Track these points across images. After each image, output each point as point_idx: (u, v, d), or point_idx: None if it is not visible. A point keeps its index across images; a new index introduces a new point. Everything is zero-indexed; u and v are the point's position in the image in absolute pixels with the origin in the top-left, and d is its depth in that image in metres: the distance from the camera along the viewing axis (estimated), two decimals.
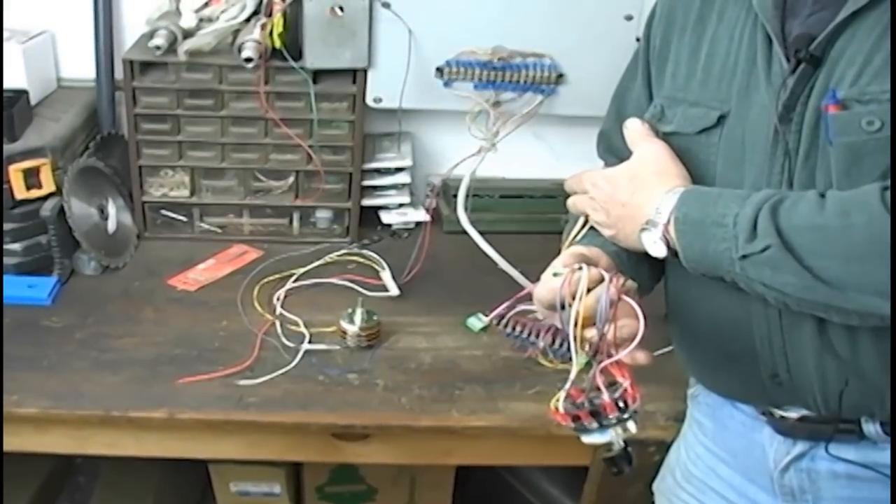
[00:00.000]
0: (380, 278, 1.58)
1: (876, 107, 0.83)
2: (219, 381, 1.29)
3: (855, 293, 0.82)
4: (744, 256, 0.86)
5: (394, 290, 1.54)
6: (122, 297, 1.50)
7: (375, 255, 1.65)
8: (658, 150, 1.00)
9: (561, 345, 1.04)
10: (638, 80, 1.13)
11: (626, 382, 0.88)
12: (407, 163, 1.72)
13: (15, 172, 1.45)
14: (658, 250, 0.94)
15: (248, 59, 1.49)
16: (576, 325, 0.88)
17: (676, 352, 1.13)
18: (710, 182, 0.98)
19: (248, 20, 1.58)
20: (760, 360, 0.97)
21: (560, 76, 1.57)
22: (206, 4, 1.58)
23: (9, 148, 1.46)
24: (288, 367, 1.33)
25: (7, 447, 1.27)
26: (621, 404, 0.88)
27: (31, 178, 1.47)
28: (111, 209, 1.63)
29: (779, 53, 0.91)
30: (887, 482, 0.96)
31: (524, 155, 1.73)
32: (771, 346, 0.96)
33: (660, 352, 1.37)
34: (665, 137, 1.05)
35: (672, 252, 0.93)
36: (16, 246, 1.48)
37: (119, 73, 1.61)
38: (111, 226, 1.62)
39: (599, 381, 0.87)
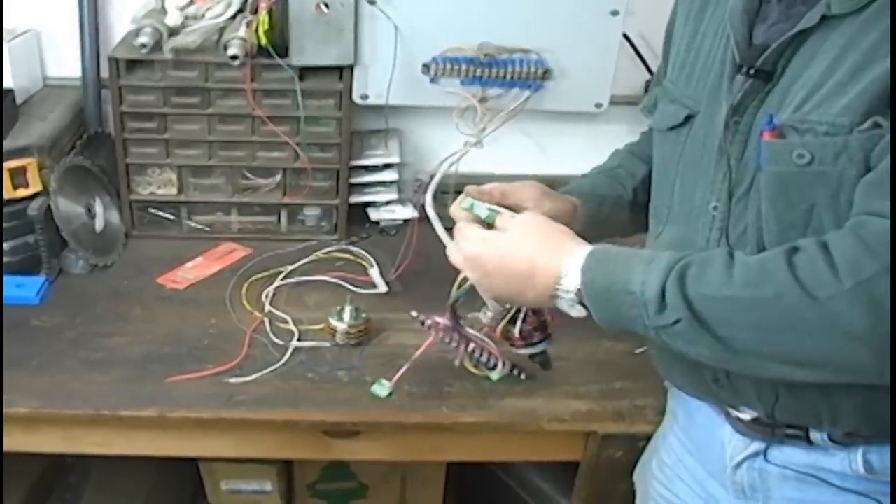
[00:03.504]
0: (368, 275, 1.58)
1: (811, 138, 0.82)
2: (209, 379, 1.29)
3: (771, 363, 0.82)
4: (656, 328, 0.85)
5: (382, 287, 1.54)
6: (110, 295, 1.50)
7: (364, 253, 1.65)
8: (534, 217, 1.00)
9: (480, 354, 1.28)
10: (663, 70, 1.14)
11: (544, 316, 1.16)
12: (394, 159, 1.72)
13: None
14: (578, 313, 0.94)
15: (234, 57, 1.49)
16: None
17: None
18: (673, 180, 1.00)
19: (233, 18, 1.58)
20: (703, 366, 0.96)
21: (546, 72, 1.57)
22: (191, 2, 1.58)
23: None
24: (277, 365, 1.33)
25: None
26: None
27: (18, 177, 1.46)
28: (99, 208, 1.63)
29: (737, 61, 0.91)
30: (834, 488, 0.96)
31: (511, 150, 1.73)
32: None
33: (646, 348, 1.40)
34: (653, 134, 1.09)
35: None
36: (3, 246, 1.48)
37: (105, 72, 1.60)
38: (99, 225, 1.62)
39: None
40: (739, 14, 0.91)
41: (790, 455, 0.98)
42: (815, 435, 0.95)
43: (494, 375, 1.32)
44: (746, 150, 0.90)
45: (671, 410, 1.18)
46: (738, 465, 1.02)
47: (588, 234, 1.07)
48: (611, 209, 1.16)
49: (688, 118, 0.98)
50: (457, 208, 1.08)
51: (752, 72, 0.88)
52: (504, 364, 1.31)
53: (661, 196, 1.05)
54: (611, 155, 1.27)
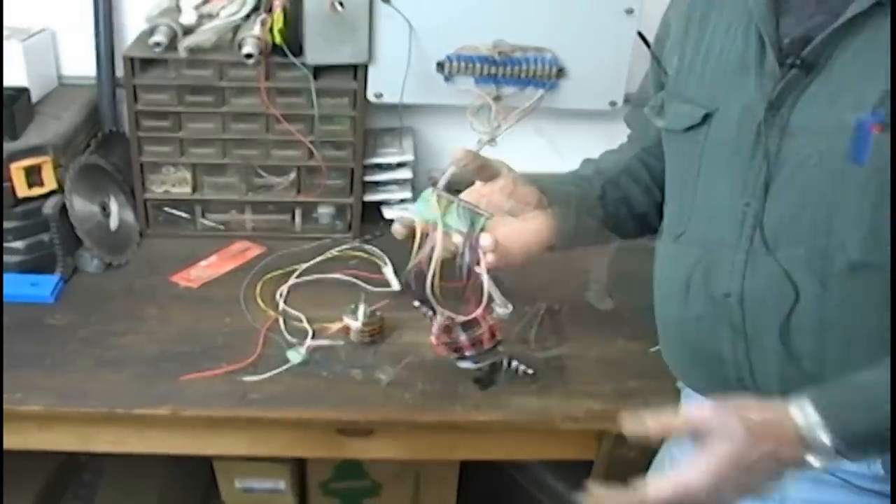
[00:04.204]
0: (382, 274, 1.58)
1: None
2: (222, 377, 1.29)
3: None
4: None
5: (396, 286, 1.54)
6: (124, 294, 1.50)
7: (378, 251, 1.65)
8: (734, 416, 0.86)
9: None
10: (652, 80, 1.13)
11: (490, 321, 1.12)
12: (408, 158, 1.72)
13: (16, 170, 1.45)
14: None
15: (249, 56, 1.49)
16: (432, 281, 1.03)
17: (660, 341, 1.14)
18: (694, 180, 0.99)
19: (248, 16, 1.58)
20: (726, 364, 0.97)
21: (561, 70, 1.57)
22: (205, 1, 1.58)
23: (10, 146, 1.45)
24: (291, 363, 1.32)
25: (11, 445, 1.27)
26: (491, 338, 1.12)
27: (33, 176, 1.46)
28: (113, 206, 1.63)
29: (771, 56, 0.90)
30: (851, 487, 0.95)
31: (525, 149, 1.71)
32: (735, 351, 0.96)
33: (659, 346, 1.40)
34: (662, 134, 1.07)
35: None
36: (18, 244, 1.48)
37: (120, 71, 1.60)
38: (113, 223, 1.62)
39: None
40: (765, 9, 0.90)
41: None
42: None
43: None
44: (783, 143, 0.88)
45: (683, 408, 1.16)
46: None
47: (564, 233, 1.10)
48: (578, 207, 1.14)
49: (706, 117, 0.96)
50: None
51: (794, 64, 0.87)
52: (504, 360, 1.31)
53: (679, 197, 1.04)
54: (581, 163, 1.26)
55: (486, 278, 1.03)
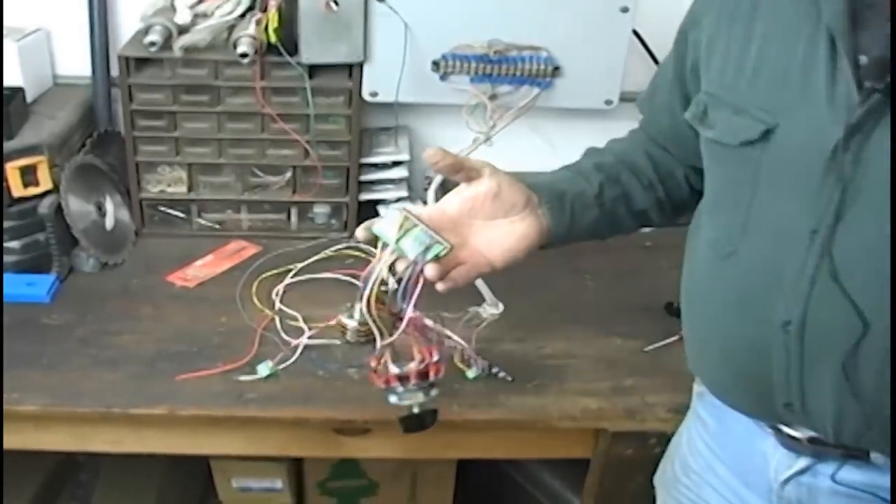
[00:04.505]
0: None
1: None
2: (218, 377, 1.29)
3: None
4: None
5: (393, 285, 1.53)
6: (120, 294, 1.50)
7: (374, 250, 1.64)
8: None
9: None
10: (670, 70, 1.08)
11: (433, 357, 1.03)
12: (404, 157, 1.71)
13: (12, 170, 1.44)
14: None
15: (244, 55, 1.49)
16: (369, 301, 1.00)
17: (686, 352, 1.09)
18: (748, 198, 0.91)
19: (242, 16, 1.57)
20: (775, 388, 0.92)
21: (556, 69, 1.57)
22: (200, 0, 1.57)
23: (5, 146, 1.45)
24: (287, 363, 1.32)
25: (8, 445, 1.27)
26: (427, 375, 1.03)
27: (28, 175, 1.46)
28: (109, 206, 1.63)
29: (847, 74, 0.82)
30: (882, 502, 0.93)
31: (521, 148, 1.72)
32: (788, 377, 0.90)
33: (658, 344, 1.41)
34: (706, 144, 0.99)
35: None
36: (14, 244, 1.48)
37: (115, 70, 1.60)
38: (109, 223, 1.62)
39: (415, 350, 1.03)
40: (843, 21, 0.82)
41: (843, 473, 0.94)
42: (876, 456, 0.91)
43: (470, 374, 1.32)
44: (859, 170, 0.82)
45: (699, 416, 1.12)
46: (787, 480, 0.98)
47: (557, 234, 1.07)
48: (573, 204, 1.08)
49: (766, 133, 0.88)
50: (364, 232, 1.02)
51: (876, 88, 0.80)
52: (478, 363, 1.31)
53: (728, 213, 0.96)
54: (584, 152, 1.21)
55: (408, 314, 0.98)
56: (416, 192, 1.77)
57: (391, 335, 1.01)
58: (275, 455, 1.60)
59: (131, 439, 1.30)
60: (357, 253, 1.65)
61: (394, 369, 1.04)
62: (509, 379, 1.31)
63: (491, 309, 1.31)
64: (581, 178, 1.12)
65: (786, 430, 0.97)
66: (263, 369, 1.30)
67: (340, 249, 1.65)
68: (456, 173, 1.03)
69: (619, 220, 1.15)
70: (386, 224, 0.99)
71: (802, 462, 0.97)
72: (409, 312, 0.98)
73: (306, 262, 1.59)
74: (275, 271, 1.56)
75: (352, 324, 1.35)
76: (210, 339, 1.38)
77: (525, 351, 1.39)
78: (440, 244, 0.97)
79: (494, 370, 1.32)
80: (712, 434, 1.09)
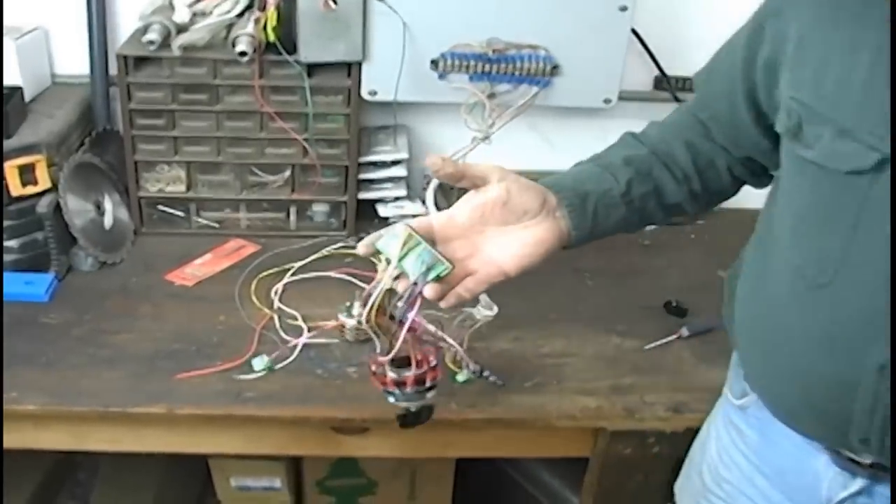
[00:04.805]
0: (377, 272, 1.57)
1: None
2: (217, 375, 1.29)
3: None
4: None
5: (390, 283, 1.53)
6: (119, 293, 1.49)
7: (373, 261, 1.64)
8: None
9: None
10: (738, 57, 0.97)
11: (430, 364, 1.04)
12: (403, 155, 1.71)
13: (10, 169, 1.44)
14: None
15: (243, 53, 1.48)
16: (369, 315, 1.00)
17: (744, 367, 1.04)
18: (850, 229, 0.82)
19: (241, 14, 1.57)
20: (854, 425, 0.87)
21: (555, 68, 1.56)
22: None
23: (3, 145, 1.45)
24: (286, 362, 1.32)
25: (6, 444, 1.27)
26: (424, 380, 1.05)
27: (27, 174, 1.46)
28: (107, 205, 1.62)
29: None
30: None
31: (520, 146, 1.72)
32: (872, 418, 0.85)
33: (656, 343, 1.41)
34: (796, 160, 0.89)
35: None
36: (12, 243, 1.48)
37: (113, 69, 1.59)
38: (108, 222, 1.61)
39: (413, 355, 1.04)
40: None
41: None
42: None
43: (461, 377, 1.31)
44: None
45: (735, 427, 1.07)
46: (841, 502, 0.95)
47: (579, 237, 1.02)
48: (597, 205, 1.03)
49: (880, 163, 0.78)
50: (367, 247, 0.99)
51: None
52: (469, 366, 1.30)
53: (821, 240, 0.87)
54: (619, 139, 1.14)
55: (403, 334, 0.99)
56: (414, 191, 1.77)
57: (391, 343, 1.02)
58: (273, 454, 1.60)
59: (130, 438, 1.30)
60: (356, 252, 1.64)
61: (392, 375, 1.04)
62: (500, 383, 1.30)
63: (485, 311, 1.30)
64: (608, 174, 1.05)
65: (847, 453, 0.92)
66: (259, 363, 1.30)
67: (339, 248, 1.64)
68: (459, 181, 0.98)
69: (648, 215, 1.09)
70: (390, 241, 0.98)
71: (859, 483, 0.93)
72: (404, 331, 0.99)
73: (305, 261, 1.59)
74: (273, 270, 1.56)
75: (351, 322, 1.36)
76: (209, 338, 1.38)
77: (524, 349, 1.39)
78: (441, 264, 0.96)
79: (486, 374, 1.31)
80: (752, 447, 1.05)
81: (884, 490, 0.91)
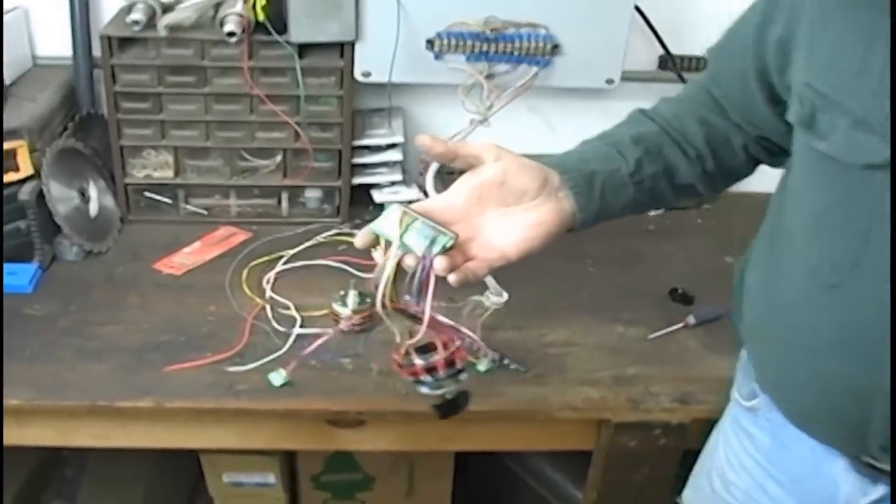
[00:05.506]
0: (372, 259, 1.54)
1: None
2: (208, 368, 1.28)
3: None
4: None
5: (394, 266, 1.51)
6: (105, 282, 1.48)
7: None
8: None
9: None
10: (749, 34, 0.94)
11: (456, 344, 1.01)
12: (398, 139, 1.69)
13: None
14: None
15: (231, 34, 1.46)
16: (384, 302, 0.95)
17: (756, 370, 1.02)
18: (865, 227, 0.80)
19: None
20: (872, 431, 0.85)
21: (555, 47, 1.54)
22: None
23: None
24: (279, 353, 1.30)
25: None
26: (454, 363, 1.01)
27: (8, 160, 1.42)
28: (92, 192, 1.60)
29: None
30: None
31: (519, 129, 1.71)
32: (889, 425, 0.83)
33: (661, 332, 1.39)
34: (810, 153, 0.87)
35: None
36: None
37: (97, 50, 1.57)
38: (93, 209, 1.59)
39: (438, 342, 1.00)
40: None
41: None
42: None
43: (481, 366, 1.29)
44: None
45: (745, 432, 1.06)
46: None
47: (585, 219, 0.98)
48: (604, 186, 0.99)
49: None
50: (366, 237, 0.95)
51: None
52: (488, 354, 1.28)
53: (836, 237, 0.85)
54: (628, 116, 1.10)
55: (428, 310, 0.94)
56: (410, 176, 1.75)
57: (410, 332, 0.99)
58: (267, 448, 1.59)
59: (118, 433, 1.29)
60: (350, 239, 1.61)
61: (420, 362, 1.01)
62: (522, 370, 1.29)
63: (494, 298, 1.29)
64: (616, 152, 1.02)
65: (866, 458, 0.90)
66: (277, 378, 1.26)
67: (333, 235, 1.63)
68: (452, 161, 0.96)
69: (658, 196, 1.05)
70: (385, 223, 0.95)
71: (880, 490, 0.91)
72: (429, 310, 0.94)
73: (298, 249, 1.58)
74: (265, 258, 1.55)
75: (345, 312, 1.33)
76: (199, 328, 1.37)
77: (525, 339, 1.38)
78: (445, 235, 0.93)
79: (506, 361, 1.30)
80: (764, 451, 1.03)
81: None
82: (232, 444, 1.37)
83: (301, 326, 1.36)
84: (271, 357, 1.29)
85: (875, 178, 0.78)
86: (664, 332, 1.40)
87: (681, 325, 1.40)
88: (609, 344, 1.38)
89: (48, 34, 1.68)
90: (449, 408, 1.05)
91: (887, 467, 0.88)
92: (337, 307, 1.35)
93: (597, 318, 1.43)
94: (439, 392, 1.03)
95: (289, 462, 1.77)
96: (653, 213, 1.72)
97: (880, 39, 0.76)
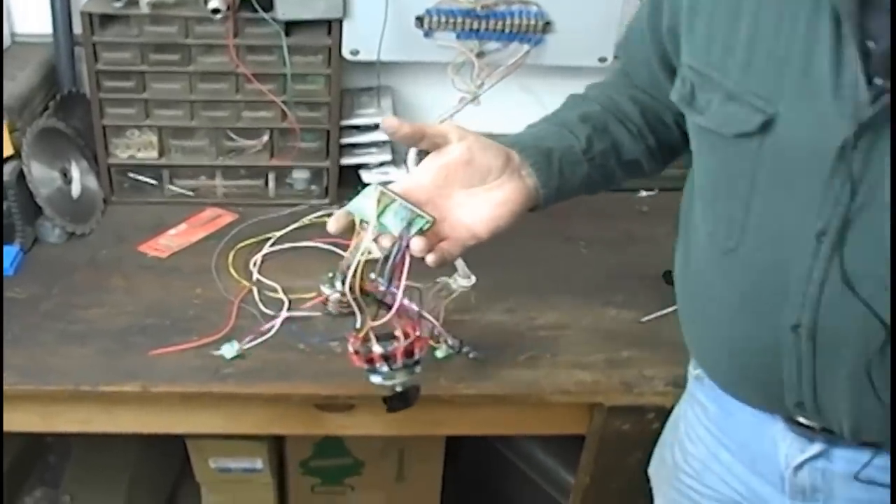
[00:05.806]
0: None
1: None
2: (194, 351, 1.27)
3: None
4: None
5: (377, 253, 1.49)
6: (88, 265, 1.46)
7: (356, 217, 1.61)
8: None
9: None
10: (644, 23, 1.01)
11: (415, 334, 1.01)
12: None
13: None
14: None
15: (216, 11, 1.43)
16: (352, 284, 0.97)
17: (686, 339, 1.06)
18: (747, 194, 0.86)
19: None
20: (786, 388, 0.89)
21: (547, 24, 1.52)
22: None
23: None
24: (267, 336, 1.29)
25: None
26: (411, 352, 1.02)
27: None
28: (75, 173, 1.58)
29: (854, 62, 0.74)
30: None
31: (510, 107, 1.67)
32: (800, 379, 0.87)
33: (655, 315, 1.38)
34: (695, 129, 0.94)
35: None
36: None
37: (78, 27, 1.54)
38: (75, 190, 1.57)
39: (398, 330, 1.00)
40: (854, 5, 0.73)
41: (858, 457, 0.91)
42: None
43: (439, 353, 1.28)
44: (870, 170, 0.76)
45: (697, 401, 1.09)
46: (800, 466, 0.95)
47: (547, 195, 1.03)
48: (562, 162, 1.04)
49: (766, 125, 0.81)
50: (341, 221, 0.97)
51: (888, 89, 0.73)
52: (448, 341, 1.27)
53: (724, 206, 0.90)
54: (565, 100, 1.16)
55: (401, 294, 0.95)
56: (399, 156, 1.74)
57: (375, 314, 0.99)
58: (254, 433, 1.57)
59: (102, 418, 1.28)
60: (328, 230, 1.61)
61: (378, 349, 1.01)
62: (480, 359, 1.27)
63: (462, 280, 1.28)
64: (566, 131, 1.07)
65: (800, 419, 0.93)
66: (229, 350, 1.25)
67: (321, 216, 1.61)
68: (418, 142, 0.99)
69: (609, 174, 1.10)
70: (362, 202, 0.96)
71: (816, 447, 0.93)
72: (401, 295, 0.96)
73: (285, 231, 1.56)
74: (252, 240, 1.54)
75: (334, 295, 1.31)
76: (184, 311, 1.35)
77: (516, 321, 1.37)
78: (422, 217, 0.94)
79: (465, 349, 1.28)
80: (713, 419, 1.05)
81: (843, 452, 0.92)
82: (219, 429, 1.37)
83: (289, 309, 1.35)
84: (259, 340, 1.28)
85: (749, 146, 0.83)
86: (658, 314, 1.39)
87: (674, 307, 1.37)
88: (602, 327, 1.37)
89: (27, 11, 1.65)
90: (398, 401, 1.06)
91: (818, 425, 0.91)
92: (325, 290, 1.33)
93: (589, 300, 1.42)
94: (390, 383, 1.03)
95: (277, 447, 1.76)
96: (644, 193, 1.71)
97: (745, 17, 0.82)
